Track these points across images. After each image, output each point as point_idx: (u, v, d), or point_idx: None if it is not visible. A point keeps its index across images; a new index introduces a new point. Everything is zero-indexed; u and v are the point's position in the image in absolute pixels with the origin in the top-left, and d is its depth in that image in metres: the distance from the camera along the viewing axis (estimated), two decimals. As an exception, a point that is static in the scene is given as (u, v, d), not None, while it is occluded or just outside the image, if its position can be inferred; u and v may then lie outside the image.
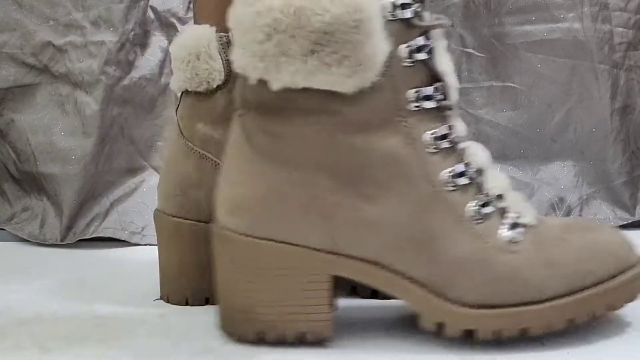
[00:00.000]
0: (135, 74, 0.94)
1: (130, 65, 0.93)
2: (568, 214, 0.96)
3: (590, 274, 0.57)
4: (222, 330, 0.59)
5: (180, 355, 0.57)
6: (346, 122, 0.55)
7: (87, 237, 0.91)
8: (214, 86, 0.67)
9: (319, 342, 0.58)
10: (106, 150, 0.92)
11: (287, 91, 0.55)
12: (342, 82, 0.54)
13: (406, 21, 0.56)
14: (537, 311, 0.56)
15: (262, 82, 0.55)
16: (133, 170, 0.95)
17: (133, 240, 0.91)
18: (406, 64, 0.56)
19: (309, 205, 0.56)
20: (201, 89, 0.67)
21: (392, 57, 0.55)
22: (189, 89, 0.67)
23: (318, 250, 0.56)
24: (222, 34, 0.66)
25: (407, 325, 0.59)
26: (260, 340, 0.57)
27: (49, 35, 0.91)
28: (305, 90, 0.55)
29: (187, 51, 0.67)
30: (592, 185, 0.97)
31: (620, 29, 0.95)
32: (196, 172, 0.67)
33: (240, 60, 0.56)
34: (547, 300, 0.56)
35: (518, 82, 0.96)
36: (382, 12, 0.54)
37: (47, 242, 0.91)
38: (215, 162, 0.66)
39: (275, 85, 0.55)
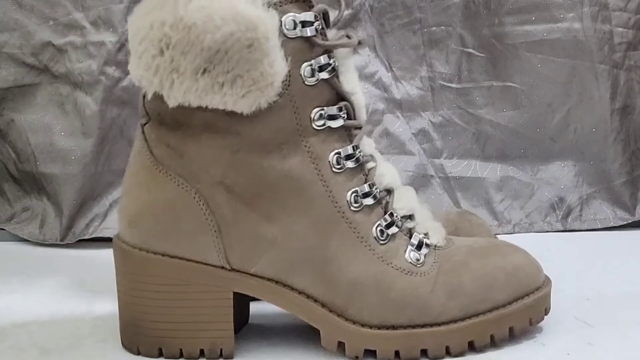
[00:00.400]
0: (135, 74, 0.94)
1: (129, 66, 0.93)
2: (568, 214, 0.96)
3: (488, 299, 0.56)
4: (122, 343, 0.58)
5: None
6: (246, 141, 0.54)
7: (87, 237, 0.91)
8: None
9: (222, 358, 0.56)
10: (106, 150, 0.92)
11: (183, 108, 0.53)
12: (235, 102, 0.52)
13: (307, 39, 0.54)
14: (433, 334, 0.55)
15: (159, 96, 0.53)
16: (133, 171, 0.95)
17: (133, 241, 0.91)
18: (309, 83, 0.54)
19: (205, 221, 0.55)
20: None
21: (292, 76, 0.53)
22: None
23: (214, 266, 0.55)
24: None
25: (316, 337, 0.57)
26: (159, 355, 0.56)
27: (49, 35, 0.91)
28: (202, 107, 0.53)
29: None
30: (592, 185, 0.97)
31: (620, 29, 0.95)
32: None
33: (136, 72, 0.54)
34: (443, 323, 0.55)
35: (518, 82, 0.96)
36: (281, 30, 0.52)
37: (47, 242, 0.91)
38: None
39: (170, 102, 0.53)
